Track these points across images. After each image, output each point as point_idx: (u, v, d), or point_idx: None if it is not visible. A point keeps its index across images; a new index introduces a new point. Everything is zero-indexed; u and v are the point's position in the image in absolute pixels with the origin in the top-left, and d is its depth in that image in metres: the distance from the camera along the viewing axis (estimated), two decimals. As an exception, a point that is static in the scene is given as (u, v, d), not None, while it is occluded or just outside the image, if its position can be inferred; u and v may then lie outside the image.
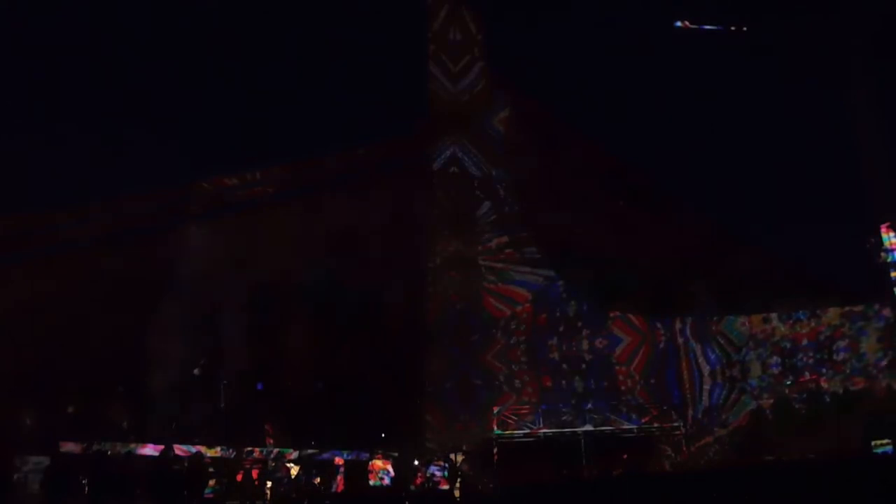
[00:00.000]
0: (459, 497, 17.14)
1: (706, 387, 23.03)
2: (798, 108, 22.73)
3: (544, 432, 21.73)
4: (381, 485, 18.86)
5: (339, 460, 20.00)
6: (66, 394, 17.32)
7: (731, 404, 22.60)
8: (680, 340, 23.65)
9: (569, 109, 24.59)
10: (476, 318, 24.47)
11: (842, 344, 21.81)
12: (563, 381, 23.74)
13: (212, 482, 16.52)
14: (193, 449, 17.56)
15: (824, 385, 21.46)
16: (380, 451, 20.02)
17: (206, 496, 15.73)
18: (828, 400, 20.81)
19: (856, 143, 20.03)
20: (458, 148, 25.25)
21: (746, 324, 23.07)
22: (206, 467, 16.36)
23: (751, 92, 23.58)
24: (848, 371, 21.53)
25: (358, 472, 19.30)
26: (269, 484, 17.65)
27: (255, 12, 22.94)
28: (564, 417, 22.36)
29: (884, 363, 21.26)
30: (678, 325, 23.73)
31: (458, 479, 18.33)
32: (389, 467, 19.39)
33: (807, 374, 21.94)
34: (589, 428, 21.57)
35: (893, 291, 20.25)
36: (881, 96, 19.76)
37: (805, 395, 21.18)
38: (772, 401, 21.67)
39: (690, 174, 23.74)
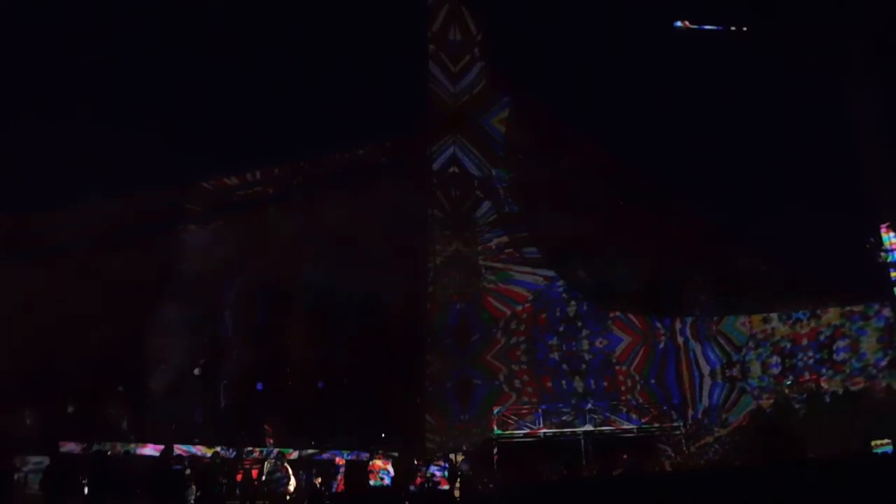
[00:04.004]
0: (459, 497, 17.13)
1: (706, 387, 23.05)
2: (798, 108, 22.70)
3: (544, 432, 21.73)
4: (381, 485, 18.85)
5: (339, 460, 20.02)
6: (66, 394, 17.32)
7: (731, 404, 22.61)
8: (680, 340, 23.66)
9: (569, 109, 24.56)
10: (476, 318, 24.50)
11: (842, 344, 21.81)
12: (563, 381, 23.76)
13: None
14: (193, 449, 17.58)
15: (824, 385, 21.46)
16: (380, 451, 20.03)
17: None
18: (828, 400, 20.80)
19: (856, 143, 20.01)
20: (458, 148, 25.26)
21: (746, 324, 23.07)
22: (217, 468, 16.38)
23: (750, 92, 23.55)
24: (848, 371, 21.53)
25: (358, 472, 19.30)
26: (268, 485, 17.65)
27: (254, 12, 22.91)
28: (564, 417, 22.36)
29: (884, 363, 21.25)
30: (678, 325, 23.75)
31: (458, 479, 18.32)
32: (389, 467, 19.38)
33: (807, 374, 21.95)
34: (589, 428, 21.57)
35: (893, 291, 20.23)
36: (881, 96, 19.75)
37: (805, 395, 21.17)
38: (772, 401, 21.66)
39: (690, 174, 23.69)
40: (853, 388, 21.08)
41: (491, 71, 25.31)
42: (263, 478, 17.55)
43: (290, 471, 17.07)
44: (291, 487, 17.06)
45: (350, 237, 21.37)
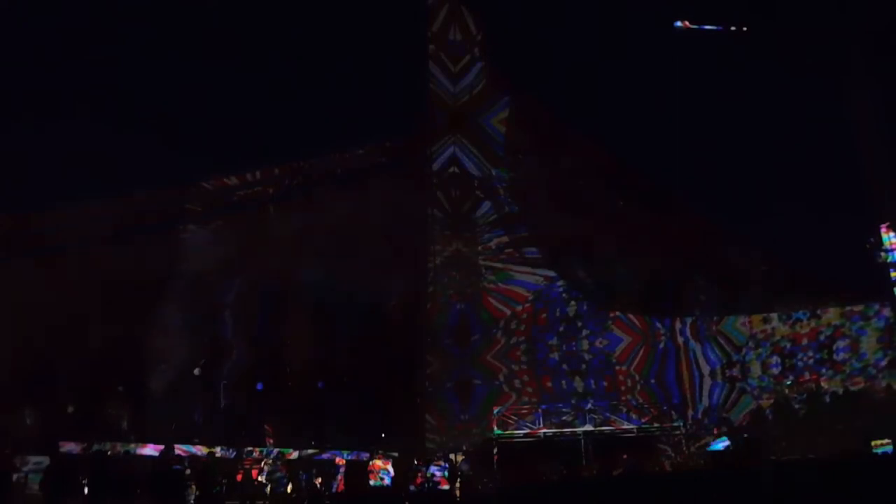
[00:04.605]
0: (459, 497, 17.12)
1: (706, 387, 23.05)
2: (798, 108, 22.72)
3: (544, 432, 21.72)
4: (381, 485, 18.85)
5: (339, 460, 20.02)
6: (66, 394, 17.33)
7: (731, 404, 22.61)
8: (680, 340, 23.66)
9: (569, 109, 24.56)
10: (476, 318, 24.49)
11: (842, 344, 21.80)
12: (563, 381, 23.76)
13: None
14: (193, 449, 17.58)
15: (824, 385, 21.45)
16: (380, 451, 20.02)
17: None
18: (828, 400, 20.79)
19: (856, 143, 20.01)
20: (458, 148, 25.25)
21: (746, 324, 23.06)
22: (215, 467, 16.39)
23: (750, 92, 23.56)
24: (848, 371, 21.53)
25: (358, 472, 19.29)
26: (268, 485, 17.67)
27: (254, 12, 22.94)
28: (564, 417, 22.35)
29: (884, 363, 21.25)
30: (678, 325, 23.74)
31: (458, 479, 18.32)
32: (389, 467, 19.38)
33: (807, 374, 21.94)
34: (589, 428, 21.56)
35: (893, 291, 20.22)
36: (881, 96, 19.75)
37: (805, 395, 21.16)
38: (772, 401, 21.66)
39: (690, 174, 23.70)
40: (853, 388, 21.06)
41: (491, 71, 25.29)
42: (263, 478, 17.57)
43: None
44: (290, 488, 17.08)
45: (350, 237, 21.37)
